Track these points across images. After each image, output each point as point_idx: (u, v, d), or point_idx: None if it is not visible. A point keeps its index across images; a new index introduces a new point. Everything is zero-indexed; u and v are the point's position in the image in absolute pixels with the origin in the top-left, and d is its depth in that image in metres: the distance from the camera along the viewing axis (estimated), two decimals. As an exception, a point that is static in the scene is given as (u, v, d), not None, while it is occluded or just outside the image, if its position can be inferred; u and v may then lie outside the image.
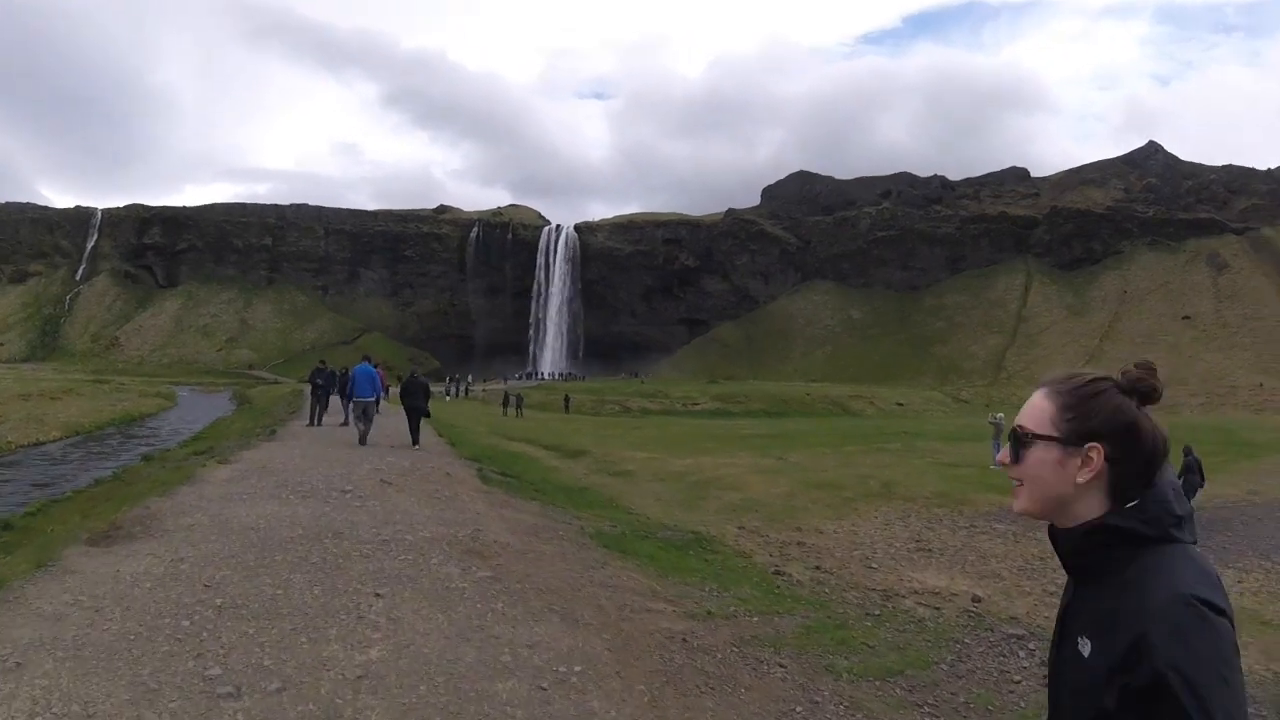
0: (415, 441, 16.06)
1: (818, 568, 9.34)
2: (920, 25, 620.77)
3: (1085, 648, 1.36)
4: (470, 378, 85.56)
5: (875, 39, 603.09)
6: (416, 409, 16.23)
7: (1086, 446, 1.38)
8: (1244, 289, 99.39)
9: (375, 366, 17.78)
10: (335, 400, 20.84)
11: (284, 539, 7.14)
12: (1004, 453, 1.49)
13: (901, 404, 67.58)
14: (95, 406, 32.34)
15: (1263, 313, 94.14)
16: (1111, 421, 1.39)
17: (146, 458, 18.56)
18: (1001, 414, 23.37)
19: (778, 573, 8.78)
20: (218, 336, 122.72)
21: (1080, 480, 1.39)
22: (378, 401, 16.78)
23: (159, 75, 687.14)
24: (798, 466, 19.41)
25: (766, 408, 60.15)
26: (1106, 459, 1.38)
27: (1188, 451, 14.76)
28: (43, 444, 21.53)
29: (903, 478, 16.56)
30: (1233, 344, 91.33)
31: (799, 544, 10.81)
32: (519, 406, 42.48)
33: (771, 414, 56.29)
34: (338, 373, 21.70)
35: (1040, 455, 1.42)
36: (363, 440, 15.54)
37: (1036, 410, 1.45)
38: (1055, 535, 1.47)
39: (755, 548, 10.26)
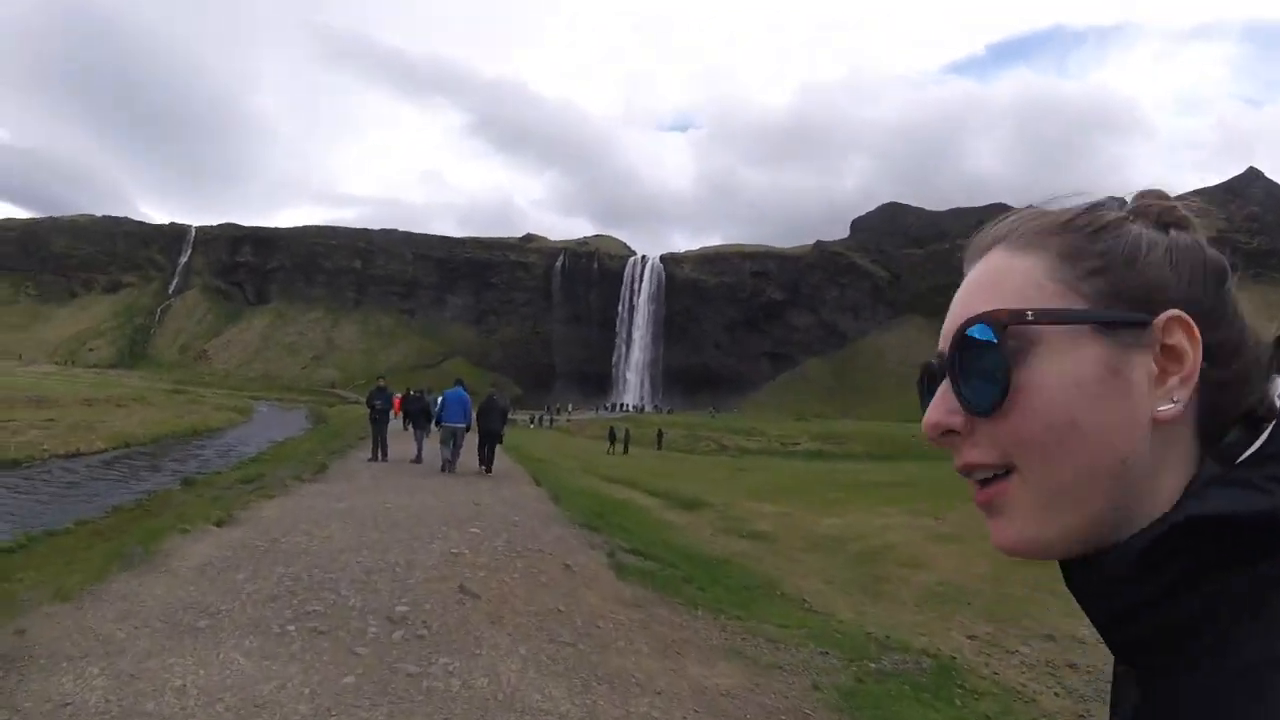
0: (486, 468, 14.97)
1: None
2: (1004, 53, 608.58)
3: None
4: (570, 407, 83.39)
5: (961, 67, 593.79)
6: (491, 433, 15.32)
7: (1163, 319, 0.52)
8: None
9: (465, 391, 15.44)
10: (396, 424, 17.85)
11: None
12: (939, 404, 0.57)
13: (1017, 452, 61.63)
14: (160, 417, 30.18)
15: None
16: (1197, 264, 0.55)
17: (186, 481, 15.65)
18: None
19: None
20: (303, 354, 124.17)
21: (1164, 409, 0.51)
22: (467, 429, 15.12)
23: (254, 100, 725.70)
24: (971, 530, 15.28)
25: (870, 450, 55.22)
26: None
27: None
28: (81, 454, 18.95)
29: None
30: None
31: (1069, 666, 7.12)
32: (625, 442, 39.39)
33: (877, 457, 51.40)
34: (413, 394, 18.46)
35: (1055, 366, 0.52)
36: (446, 467, 14.47)
37: (1007, 272, 0.59)
38: (1087, 574, 0.54)
39: (1023, 678, 6.70)
